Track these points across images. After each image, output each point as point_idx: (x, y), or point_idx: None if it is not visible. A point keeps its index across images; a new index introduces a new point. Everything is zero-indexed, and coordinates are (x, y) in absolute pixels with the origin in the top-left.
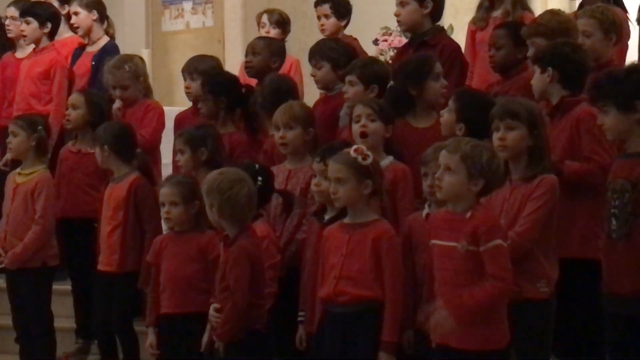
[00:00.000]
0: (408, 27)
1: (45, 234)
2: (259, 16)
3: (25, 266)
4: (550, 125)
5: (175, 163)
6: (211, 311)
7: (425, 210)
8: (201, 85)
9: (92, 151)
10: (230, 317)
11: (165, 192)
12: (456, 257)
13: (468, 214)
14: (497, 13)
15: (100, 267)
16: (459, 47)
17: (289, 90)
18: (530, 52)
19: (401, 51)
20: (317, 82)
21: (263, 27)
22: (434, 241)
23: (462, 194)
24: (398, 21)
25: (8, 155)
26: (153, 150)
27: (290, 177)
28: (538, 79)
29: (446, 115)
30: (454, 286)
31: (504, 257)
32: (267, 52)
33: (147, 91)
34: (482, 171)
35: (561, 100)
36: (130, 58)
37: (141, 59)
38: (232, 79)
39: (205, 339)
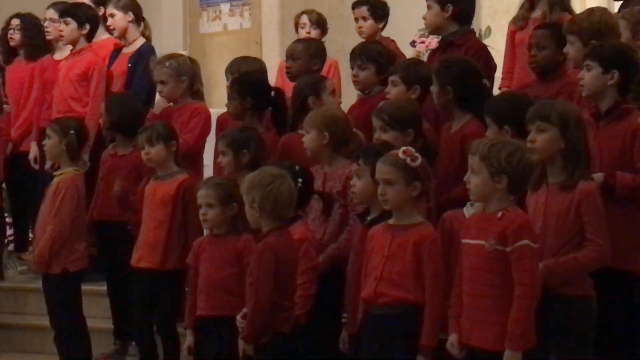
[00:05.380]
0: (432, 30)
1: (59, 235)
2: (298, 17)
3: (48, 272)
4: (597, 130)
5: (216, 165)
6: (238, 317)
7: (468, 210)
8: (230, 84)
9: (126, 153)
10: (252, 315)
11: (202, 194)
12: (483, 256)
13: (499, 214)
14: (536, 14)
15: (139, 263)
16: (484, 46)
17: None
18: (567, 49)
19: (432, 53)
20: (357, 82)
21: (303, 27)
22: (463, 240)
23: (489, 193)
24: (425, 24)
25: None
26: (196, 155)
27: (327, 179)
28: (598, 78)
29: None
30: (478, 285)
31: (530, 259)
32: (307, 56)
33: (196, 94)
34: (501, 168)
35: (615, 106)
36: (175, 56)
37: (193, 61)
38: (260, 81)
39: (241, 345)
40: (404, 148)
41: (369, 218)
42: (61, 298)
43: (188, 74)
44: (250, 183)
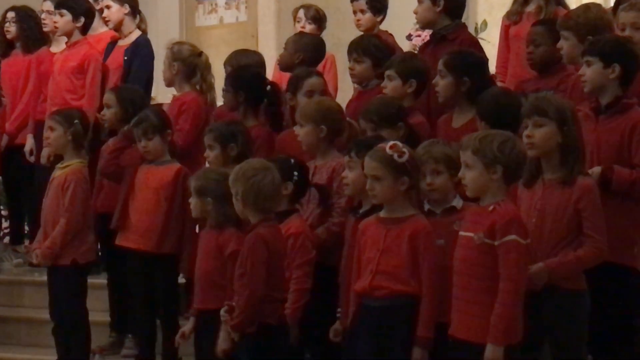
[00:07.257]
0: (423, 25)
1: (71, 228)
2: (295, 11)
3: (56, 263)
4: (596, 124)
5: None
6: (222, 312)
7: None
8: (225, 77)
9: None
10: (245, 305)
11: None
12: (472, 248)
13: (490, 207)
14: (530, 8)
15: (129, 244)
16: (477, 40)
17: None
18: (561, 44)
19: (423, 47)
20: (353, 76)
21: (299, 22)
22: (460, 233)
23: (485, 185)
24: (416, 18)
25: (45, 151)
26: (196, 149)
27: (315, 173)
28: (599, 73)
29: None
30: (467, 277)
31: (516, 255)
32: (292, 47)
33: (194, 86)
34: (495, 158)
35: (616, 100)
36: (181, 43)
37: (205, 57)
38: (255, 75)
39: (220, 340)
40: (391, 143)
41: (360, 211)
42: (69, 290)
43: (183, 63)
44: (235, 175)
